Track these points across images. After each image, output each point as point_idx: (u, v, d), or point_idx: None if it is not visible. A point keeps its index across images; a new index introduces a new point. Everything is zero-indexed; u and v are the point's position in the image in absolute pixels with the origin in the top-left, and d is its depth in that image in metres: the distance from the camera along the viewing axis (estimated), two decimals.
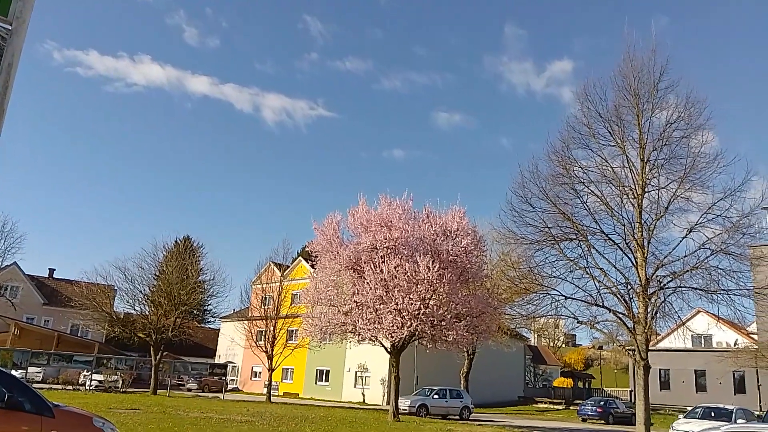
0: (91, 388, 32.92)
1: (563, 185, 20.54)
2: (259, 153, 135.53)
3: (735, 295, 18.48)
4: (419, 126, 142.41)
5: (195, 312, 50.50)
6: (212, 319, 63.33)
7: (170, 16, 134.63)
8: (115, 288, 36.77)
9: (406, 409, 29.01)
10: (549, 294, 21.65)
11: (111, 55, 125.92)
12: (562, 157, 20.73)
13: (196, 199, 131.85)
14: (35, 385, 28.67)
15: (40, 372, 34.39)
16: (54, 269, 57.71)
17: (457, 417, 31.14)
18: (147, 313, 35.58)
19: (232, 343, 46.48)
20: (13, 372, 29.68)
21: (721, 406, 24.19)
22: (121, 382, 34.25)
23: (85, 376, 34.65)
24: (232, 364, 51.81)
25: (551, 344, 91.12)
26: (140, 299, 35.52)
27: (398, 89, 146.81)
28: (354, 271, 25.24)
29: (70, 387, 33.04)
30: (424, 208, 26.54)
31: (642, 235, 19.80)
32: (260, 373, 48.36)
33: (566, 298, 21.17)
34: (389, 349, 26.02)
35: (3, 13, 2.61)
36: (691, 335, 37.23)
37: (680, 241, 19.70)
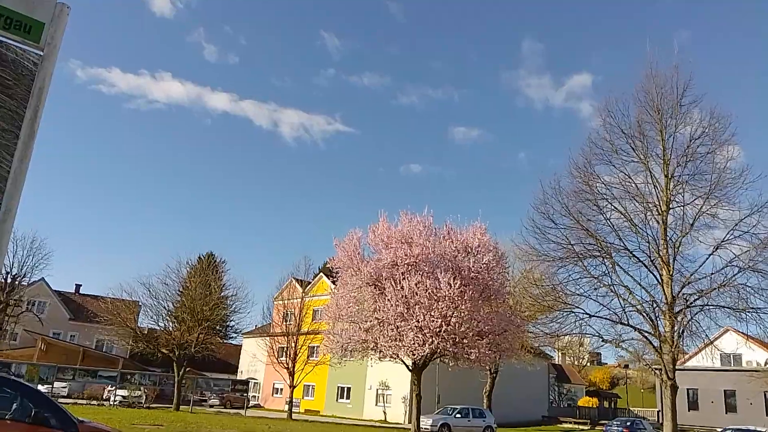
0: (115, 403, 33.26)
1: (586, 201, 20.39)
2: (277, 169, 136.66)
3: (764, 313, 18.03)
4: (437, 141, 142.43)
5: (218, 328, 50.77)
6: (234, 335, 63.66)
7: (190, 33, 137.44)
8: (140, 303, 37.33)
9: (428, 429, 28.68)
10: (573, 312, 21.38)
11: (133, 72, 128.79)
12: (585, 173, 20.61)
13: (218, 214, 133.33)
14: (61, 400, 29.04)
15: (65, 387, 34.87)
16: (80, 285, 58.69)
17: None
18: (170, 328, 35.95)
19: (254, 359, 46.56)
20: (40, 387, 30.20)
21: (753, 428, 23.48)
22: (144, 397, 34.54)
23: (109, 391, 35.04)
24: (253, 381, 51.90)
25: (576, 363, 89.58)
26: (164, 315, 35.97)
27: (415, 104, 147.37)
28: (375, 288, 25.22)
29: (94, 402, 33.42)
30: (445, 225, 26.53)
31: (667, 252, 19.48)
32: (281, 389, 48.26)
33: (590, 316, 20.88)
34: (410, 367, 25.83)
35: (35, 40, 2.69)
36: (720, 354, 36.25)
37: (707, 258, 19.37)
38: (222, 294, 40.23)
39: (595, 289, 20.60)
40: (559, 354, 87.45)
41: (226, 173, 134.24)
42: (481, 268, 24.70)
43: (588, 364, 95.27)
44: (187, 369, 36.48)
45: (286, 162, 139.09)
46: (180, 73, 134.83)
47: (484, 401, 36.84)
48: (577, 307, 21.62)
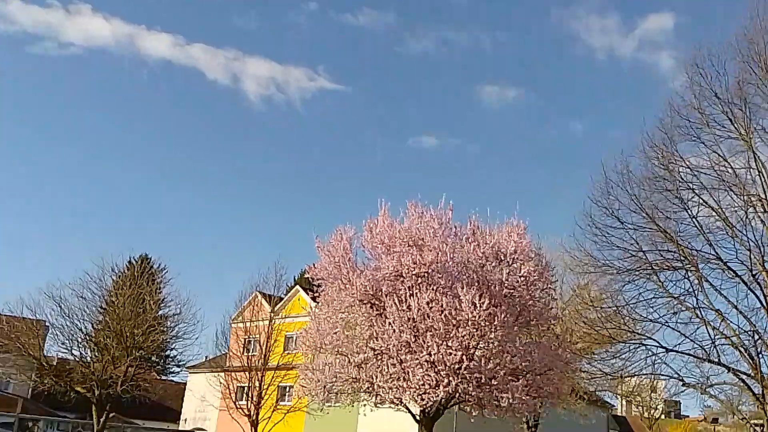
0: None
1: (664, 192, 20.49)
2: (238, 141, 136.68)
3: None
4: (458, 105, 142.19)
5: (154, 359, 51.06)
6: (177, 369, 64.01)
7: None
8: (47, 324, 37.32)
9: None
10: (643, 344, 21.50)
11: (39, 4, 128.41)
12: (663, 152, 20.69)
13: (156, 203, 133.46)
14: None
15: None
16: None
17: None
18: (89, 359, 36.03)
19: (203, 403, 46.68)
20: None
21: None
22: None
23: None
24: None
25: (646, 415, 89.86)
26: (80, 340, 36.03)
27: (430, 54, 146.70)
28: (371, 307, 25.24)
29: None
30: (469, 222, 26.47)
31: None
32: None
33: (667, 350, 21.02)
34: (419, 417, 25.87)
35: None
36: None
37: None
38: (160, 312, 40.29)
39: (675, 313, 20.76)
40: (623, 402, 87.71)
41: (167, 147, 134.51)
42: (517, 282, 24.69)
43: (663, 416, 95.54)
44: (111, 415, 36.57)
45: (250, 131, 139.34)
46: (104, 5, 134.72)
47: None
48: (649, 338, 21.75)
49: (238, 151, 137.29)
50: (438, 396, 23.40)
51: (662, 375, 22.49)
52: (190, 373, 55.60)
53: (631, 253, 20.75)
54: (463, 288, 23.67)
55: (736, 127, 20.30)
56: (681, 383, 21.17)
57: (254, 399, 35.67)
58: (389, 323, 23.81)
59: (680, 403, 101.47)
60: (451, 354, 22.96)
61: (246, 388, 37.40)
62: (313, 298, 30.16)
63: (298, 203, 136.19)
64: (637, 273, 20.81)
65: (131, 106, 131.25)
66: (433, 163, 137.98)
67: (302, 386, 27.13)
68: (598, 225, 21.00)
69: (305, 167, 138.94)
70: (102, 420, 34.95)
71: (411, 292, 24.14)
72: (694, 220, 20.53)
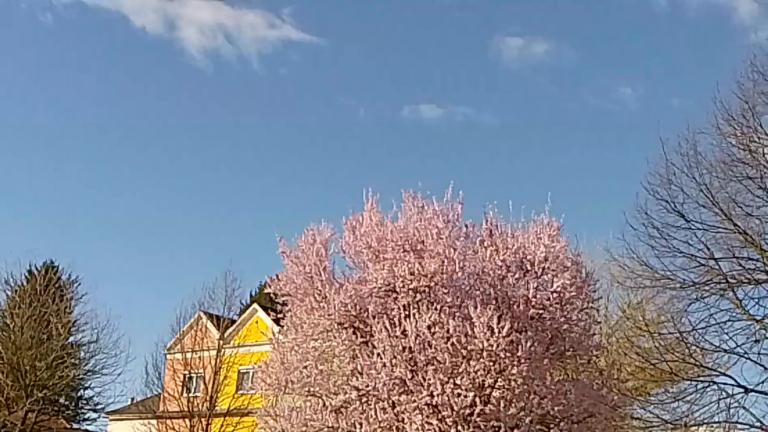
0: None
1: (744, 180, 20.57)
2: (175, 109, 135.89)
3: None
4: (469, 63, 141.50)
5: (62, 401, 50.75)
6: (93, 416, 63.63)
7: None
8: None
9: None
10: (715, 383, 21.58)
11: None
12: (743, 128, 20.75)
13: (64, 196, 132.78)
14: None
15: None
16: None
17: None
18: None
19: None
20: None
21: None
22: None
23: None
24: None
25: None
26: None
27: None
28: (354, 333, 25.25)
29: None
30: (485, 220, 26.52)
31: None
32: None
33: (747, 390, 21.07)
34: None
35: None
36: None
37: None
38: (71, 339, 40.26)
39: (757, 341, 20.83)
40: None
41: (73, 120, 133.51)
42: (549, 299, 24.74)
43: None
44: None
45: (189, 97, 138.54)
46: None
47: None
48: (724, 374, 21.79)
49: (173, 124, 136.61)
50: None
51: (740, 423, 22.50)
52: (110, 420, 55.07)
53: (699, 261, 20.80)
54: (476, 307, 23.67)
55: None
56: None
57: None
58: (378, 354, 23.79)
59: None
60: (459, 395, 22.99)
61: None
62: (276, 321, 30.18)
63: (256, 194, 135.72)
64: (707, 288, 20.85)
65: (33, 62, 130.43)
66: (436, 140, 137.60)
67: None
68: (656, 224, 21.07)
69: (264, 146, 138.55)
70: None
71: (407, 312, 24.12)
72: None
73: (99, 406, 57.49)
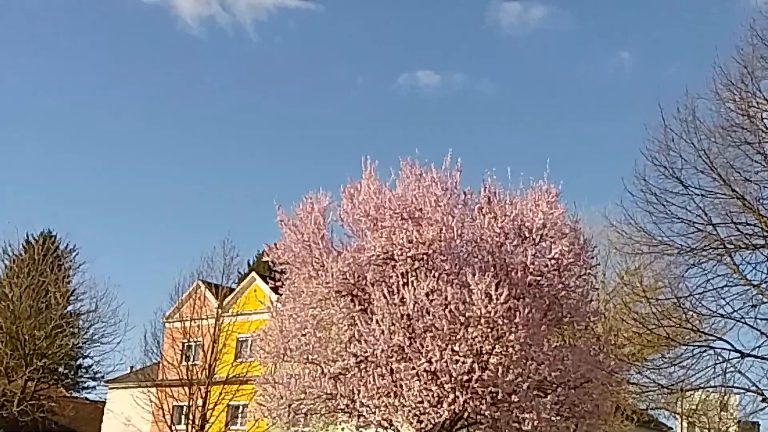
0: None
1: (742, 146, 20.55)
2: (171, 80, 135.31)
3: None
4: (466, 29, 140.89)
5: (61, 370, 50.91)
6: (92, 384, 63.90)
7: None
8: None
9: None
10: (711, 347, 21.66)
11: None
12: (742, 93, 20.69)
13: (60, 165, 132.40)
14: None
15: None
16: None
17: None
18: None
19: (128, 428, 46.88)
20: None
21: None
22: None
23: None
24: None
25: None
26: None
27: None
28: (352, 301, 25.37)
29: None
30: (483, 187, 26.53)
31: None
32: None
33: (743, 355, 21.17)
34: None
35: None
36: None
37: None
38: (69, 308, 40.33)
39: (754, 306, 20.89)
40: (683, 424, 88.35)
41: (76, 88, 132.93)
42: (546, 266, 24.83)
43: None
44: None
45: (185, 67, 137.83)
46: None
47: None
48: (720, 339, 21.89)
49: (170, 95, 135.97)
50: (440, 416, 23.58)
51: (736, 387, 22.64)
52: (110, 388, 55.52)
53: (697, 227, 20.80)
54: (474, 274, 23.76)
55: None
56: (760, 398, 21.39)
57: (197, 422, 35.87)
58: (376, 321, 23.92)
59: (759, 425, 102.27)
60: (457, 361, 23.13)
61: (185, 408, 37.57)
62: (275, 289, 30.20)
63: (253, 164, 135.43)
64: (704, 253, 20.86)
65: (20, 34, 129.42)
66: (434, 108, 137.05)
67: (260, 405, 27.27)
68: (654, 190, 21.04)
69: (261, 115, 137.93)
70: None
71: (405, 280, 24.22)
72: None
73: (98, 375, 57.85)
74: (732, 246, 20.79)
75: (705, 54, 45.20)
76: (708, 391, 27.64)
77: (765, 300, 20.65)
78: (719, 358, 21.48)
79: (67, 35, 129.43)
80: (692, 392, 29.85)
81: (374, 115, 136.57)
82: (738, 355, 21.36)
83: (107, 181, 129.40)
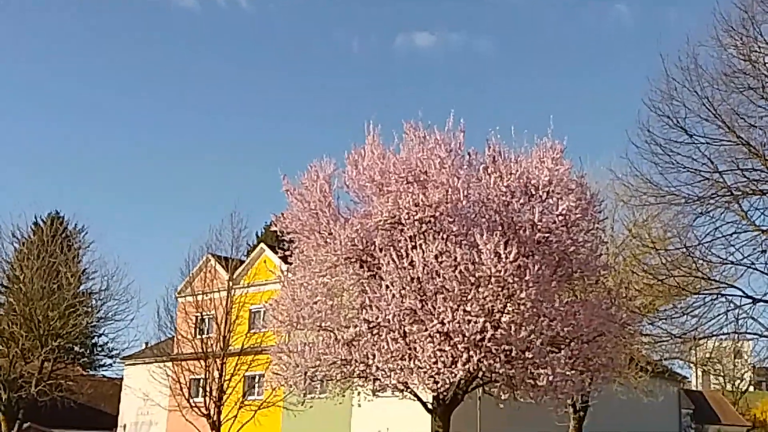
0: None
1: (746, 91, 20.47)
2: (166, 53, 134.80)
3: None
4: None
5: (77, 349, 51.23)
6: (108, 362, 64.41)
7: None
8: None
9: None
10: (723, 295, 21.73)
11: None
12: (743, 38, 20.57)
13: (64, 145, 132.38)
14: None
15: None
16: None
17: None
18: None
19: (147, 404, 47.28)
20: None
21: None
22: None
23: None
24: None
25: (728, 386, 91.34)
26: None
27: None
28: (362, 267, 25.46)
29: None
30: (487, 146, 26.45)
31: None
32: None
33: (755, 300, 21.22)
34: (431, 405, 26.36)
35: None
36: None
37: None
38: (81, 288, 40.52)
39: (764, 251, 20.91)
40: (698, 373, 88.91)
41: (74, 62, 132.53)
42: (554, 223, 24.84)
43: (751, 388, 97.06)
44: (26, 424, 37.09)
45: (181, 41, 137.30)
46: None
47: None
48: (731, 286, 21.94)
49: (167, 71, 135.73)
50: (455, 376, 23.73)
51: (749, 334, 22.77)
52: (126, 365, 56.01)
53: (703, 175, 20.75)
54: (482, 234, 23.82)
55: None
56: None
57: (214, 394, 36.10)
58: (386, 286, 24.02)
59: None
60: (470, 321, 23.23)
61: (202, 381, 37.81)
62: (284, 259, 30.28)
63: (256, 135, 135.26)
64: (712, 201, 20.82)
65: (15, 7, 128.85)
66: (433, 70, 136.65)
67: (276, 374, 27.49)
68: (659, 141, 20.95)
69: (259, 85, 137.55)
70: (13, 431, 35.43)
71: (413, 243, 24.29)
72: None
73: (114, 352, 58.32)
74: (739, 192, 20.77)
75: (704, 0, 44.94)
76: (721, 338, 27.91)
77: None
78: (731, 305, 21.55)
79: (56, 5, 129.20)
80: (705, 341, 30.05)
81: (374, 78, 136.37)
82: (750, 301, 21.43)
83: (110, 160, 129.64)
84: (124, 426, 54.93)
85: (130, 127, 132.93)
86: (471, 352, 23.33)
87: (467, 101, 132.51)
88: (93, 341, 58.67)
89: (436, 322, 23.44)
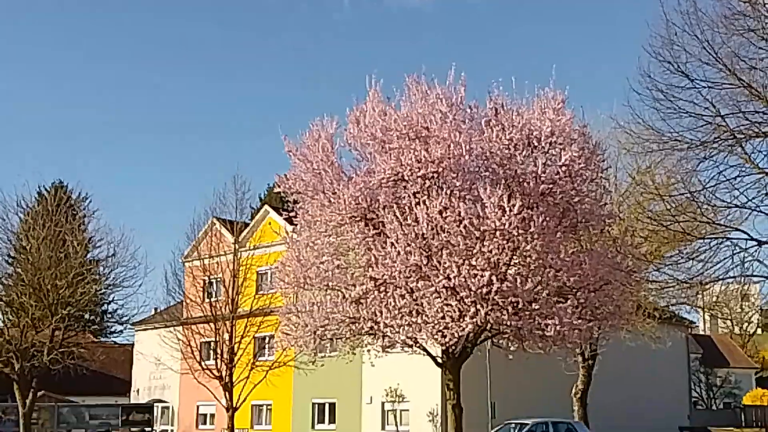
0: None
1: (746, 33, 20.28)
2: (166, 19, 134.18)
3: None
4: None
5: (87, 317, 51.49)
6: (119, 328, 64.70)
7: None
8: None
9: None
10: (728, 239, 21.74)
11: None
12: None
13: (63, 113, 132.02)
14: None
15: None
16: None
17: None
18: (1, 324, 36.50)
19: (159, 368, 47.63)
20: None
21: None
22: None
23: None
24: (161, 404, 53.60)
25: (736, 330, 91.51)
26: None
27: None
28: (366, 225, 25.45)
29: None
30: (489, 99, 26.27)
31: None
32: (212, 415, 49.74)
33: (760, 243, 21.24)
34: (440, 359, 26.52)
35: None
36: None
37: None
38: (88, 256, 40.56)
39: None
40: (706, 317, 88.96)
41: (64, 35, 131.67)
42: (558, 173, 24.79)
43: (760, 331, 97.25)
44: (40, 393, 37.35)
45: (178, 6, 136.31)
46: None
47: (575, 409, 38.01)
48: (736, 230, 21.95)
49: (165, 35, 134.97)
50: (463, 330, 23.85)
51: (755, 276, 22.84)
52: (137, 330, 56.46)
53: (706, 119, 20.60)
54: (486, 188, 23.82)
55: None
56: None
57: (225, 356, 36.28)
58: (391, 243, 24.04)
59: None
60: (476, 275, 23.29)
61: (213, 344, 38.04)
62: (289, 220, 30.34)
63: (255, 96, 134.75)
64: (715, 145, 20.69)
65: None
66: (426, 23, 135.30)
67: (286, 334, 27.58)
68: (660, 86, 20.70)
69: (255, 49, 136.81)
70: (28, 400, 35.68)
71: (417, 200, 24.30)
72: None
73: (124, 318, 58.19)
74: (742, 135, 20.67)
75: None
76: (727, 282, 27.89)
77: None
78: (736, 248, 21.55)
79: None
80: (712, 285, 30.10)
81: (368, 37, 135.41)
82: (755, 243, 21.43)
83: (113, 126, 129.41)
84: (137, 391, 55.48)
85: (129, 95, 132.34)
86: (478, 306, 23.42)
87: (466, 54, 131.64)
88: (103, 308, 58.98)
89: (442, 277, 23.50)
